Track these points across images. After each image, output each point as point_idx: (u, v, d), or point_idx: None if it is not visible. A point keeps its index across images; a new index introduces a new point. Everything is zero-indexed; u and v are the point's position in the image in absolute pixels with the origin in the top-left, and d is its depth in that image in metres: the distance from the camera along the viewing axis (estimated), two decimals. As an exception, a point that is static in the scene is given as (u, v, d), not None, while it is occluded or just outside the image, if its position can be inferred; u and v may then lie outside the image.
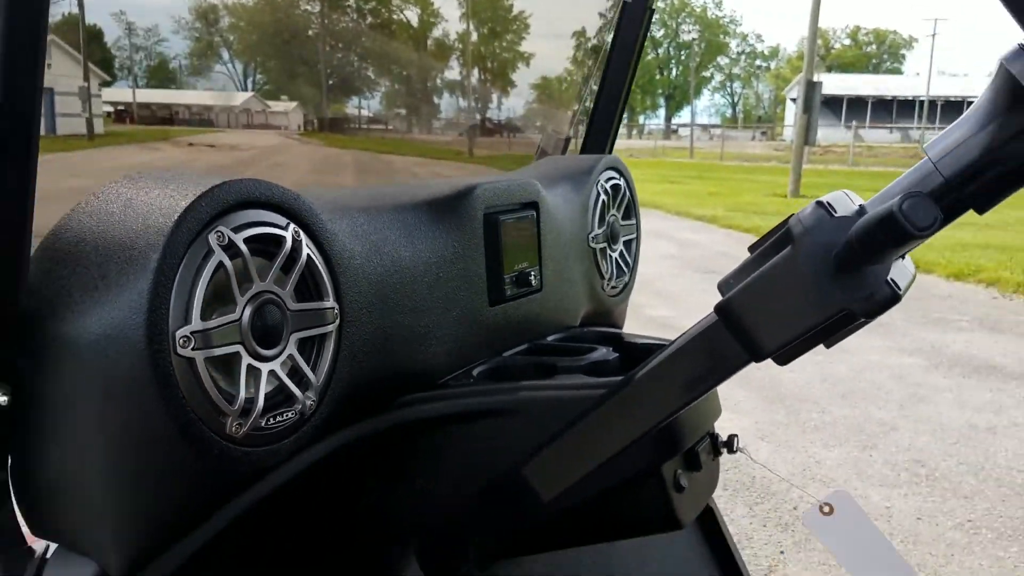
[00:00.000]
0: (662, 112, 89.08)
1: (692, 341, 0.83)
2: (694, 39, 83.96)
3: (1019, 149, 0.69)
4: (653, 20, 1.58)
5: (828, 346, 0.79)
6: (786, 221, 0.75)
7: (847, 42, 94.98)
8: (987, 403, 4.26)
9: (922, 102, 60.74)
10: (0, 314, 0.70)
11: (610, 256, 1.45)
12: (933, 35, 62.72)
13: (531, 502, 0.94)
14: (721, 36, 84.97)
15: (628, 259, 1.49)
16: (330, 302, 0.85)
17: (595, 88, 1.62)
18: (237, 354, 0.76)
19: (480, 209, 1.11)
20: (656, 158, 36.68)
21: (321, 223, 0.86)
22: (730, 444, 1.06)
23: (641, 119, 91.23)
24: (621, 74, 1.55)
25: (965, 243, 9.45)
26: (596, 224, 1.39)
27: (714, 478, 1.09)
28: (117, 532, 0.73)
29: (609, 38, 1.58)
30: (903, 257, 0.79)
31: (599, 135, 1.58)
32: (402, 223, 1.01)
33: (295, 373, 0.83)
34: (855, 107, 64.81)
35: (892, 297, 0.72)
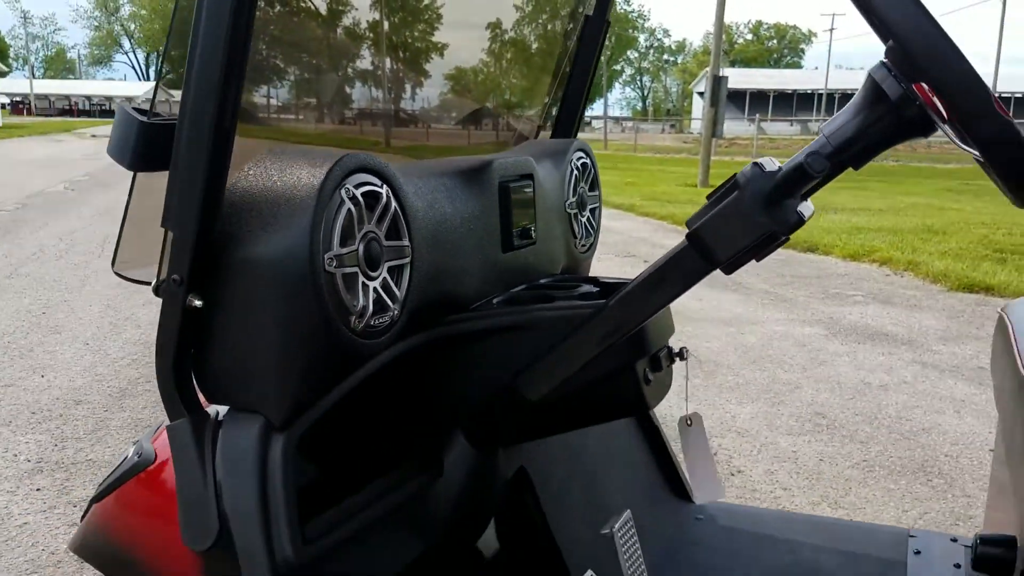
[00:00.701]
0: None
1: (668, 260, 1.15)
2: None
3: (880, 128, 1.03)
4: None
5: (758, 260, 1.11)
6: (734, 176, 1.09)
7: (749, 37, 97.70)
8: (879, 365, 4.70)
9: (820, 95, 62.92)
10: (202, 243, 0.97)
11: (580, 220, 1.75)
12: (831, 30, 65.11)
13: (540, 394, 1.23)
14: (630, 30, 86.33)
15: (593, 223, 1.81)
16: (406, 241, 1.14)
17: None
18: (356, 274, 1.05)
19: (496, 178, 1.41)
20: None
21: (401, 185, 1.14)
22: (681, 354, 1.38)
23: (554, 111, 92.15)
24: (583, 75, 1.85)
25: (860, 227, 10.08)
26: (571, 194, 1.70)
27: (669, 379, 1.40)
28: (279, 393, 1.01)
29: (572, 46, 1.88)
30: (806, 199, 1.13)
31: (567, 123, 1.88)
32: (445, 187, 1.30)
33: (387, 290, 1.09)
34: (757, 100, 66.86)
35: (799, 221, 1.08)
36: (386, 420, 1.32)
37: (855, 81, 68.35)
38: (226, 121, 0.95)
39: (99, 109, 79.88)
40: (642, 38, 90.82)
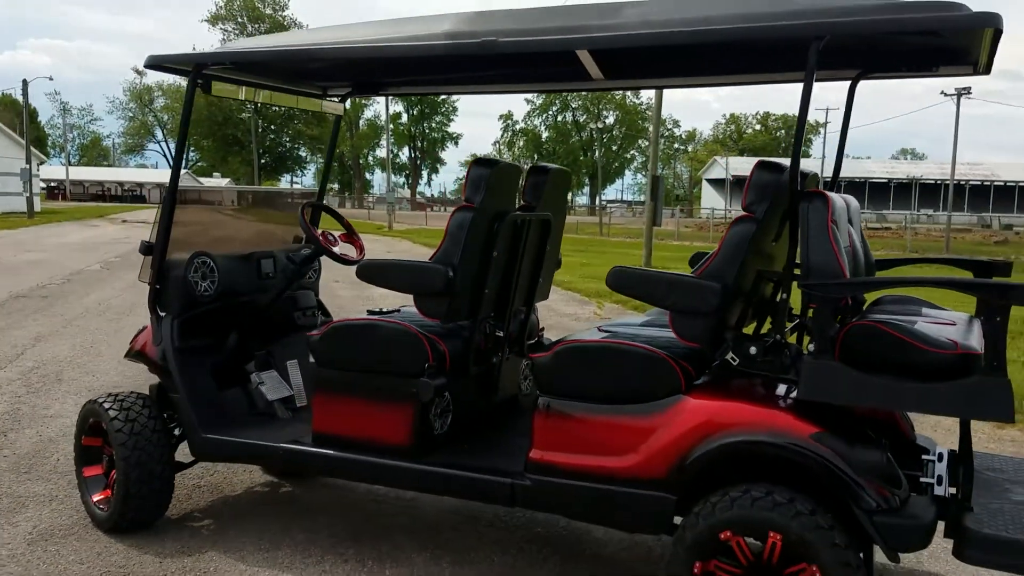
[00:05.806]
0: (588, 190, 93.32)
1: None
2: (613, 123, 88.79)
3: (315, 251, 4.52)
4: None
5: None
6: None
7: (758, 127, 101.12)
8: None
9: (826, 182, 64.91)
10: (158, 273, 4.18)
11: (311, 273, 4.87)
12: (825, 123, 68.27)
13: (268, 300, 4.52)
14: (639, 121, 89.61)
15: (314, 272, 4.95)
16: (216, 274, 4.38)
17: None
18: (197, 281, 4.31)
19: (258, 256, 4.66)
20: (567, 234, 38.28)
21: (216, 257, 4.39)
22: (322, 311, 4.05)
23: (569, 196, 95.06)
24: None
25: None
26: (308, 263, 4.55)
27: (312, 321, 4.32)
28: (174, 310, 4.25)
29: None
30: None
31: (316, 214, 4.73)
32: (242, 260, 4.60)
33: (209, 285, 4.35)
34: (760, 188, 68.81)
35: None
36: (218, 326, 4.35)
37: (861, 169, 71.22)
38: (165, 248, 4.11)
39: (131, 194, 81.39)
40: (651, 128, 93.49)
